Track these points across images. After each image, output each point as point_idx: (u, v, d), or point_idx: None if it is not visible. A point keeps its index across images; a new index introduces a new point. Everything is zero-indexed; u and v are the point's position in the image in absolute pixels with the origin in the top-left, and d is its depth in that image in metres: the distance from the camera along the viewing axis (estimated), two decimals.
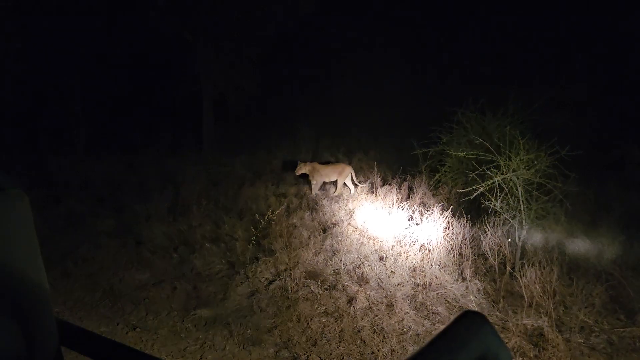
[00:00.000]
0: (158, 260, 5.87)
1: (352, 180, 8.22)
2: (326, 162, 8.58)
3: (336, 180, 8.22)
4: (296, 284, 5.01)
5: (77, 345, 1.01)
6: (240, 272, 5.44)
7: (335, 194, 8.17)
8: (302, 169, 8.09)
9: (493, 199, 5.52)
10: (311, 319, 4.50)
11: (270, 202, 7.60)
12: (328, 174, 8.18)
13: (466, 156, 6.19)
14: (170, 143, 11.59)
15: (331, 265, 5.47)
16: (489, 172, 5.60)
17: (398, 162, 8.76)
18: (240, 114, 13.24)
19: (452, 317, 0.64)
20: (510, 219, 5.49)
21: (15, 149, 10.58)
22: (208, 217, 6.98)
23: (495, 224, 5.58)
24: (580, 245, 5.64)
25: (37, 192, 7.91)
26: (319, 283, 5.08)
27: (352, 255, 5.63)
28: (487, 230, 5.47)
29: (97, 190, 8.16)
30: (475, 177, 5.82)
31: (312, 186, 8.19)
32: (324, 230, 6.47)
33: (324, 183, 8.34)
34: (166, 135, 12.20)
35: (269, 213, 5.89)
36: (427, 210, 6.20)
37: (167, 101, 13.28)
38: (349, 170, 8.20)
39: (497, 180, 5.50)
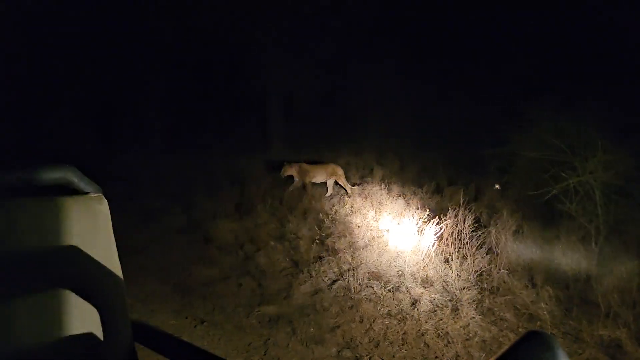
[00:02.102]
0: (225, 256, 6.06)
1: (344, 181, 7.98)
2: (314, 162, 8.31)
3: (326, 181, 8.01)
4: (359, 284, 5.00)
5: (149, 342, 1.07)
6: (303, 270, 5.51)
7: (327, 195, 7.98)
8: (288, 170, 7.92)
9: (567, 202, 5.25)
10: (374, 320, 4.48)
11: (334, 201, 7.64)
12: (316, 174, 7.98)
13: (539, 157, 5.92)
14: (238, 141, 11.91)
15: (395, 266, 5.42)
16: (562, 174, 5.34)
17: (466, 162, 8.51)
18: (306, 113, 13.37)
19: (517, 337, 0.61)
20: (586, 224, 5.21)
21: (89, 145, 11.20)
22: (273, 216, 7.12)
23: (570, 228, 5.31)
24: None
25: (113, 188, 8.32)
26: (382, 284, 5.05)
27: (416, 256, 5.54)
28: (560, 234, 5.22)
29: (169, 188, 8.53)
30: (548, 179, 5.56)
31: (300, 184, 8.01)
32: (388, 231, 6.41)
33: (313, 184, 8.12)
34: (234, 133, 12.55)
35: (333, 212, 5.93)
36: (495, 212, 6.00)
37: (235, 100, 13.63)
38: (338, 170, 7.97)
39: (572, 183, 5.23)
